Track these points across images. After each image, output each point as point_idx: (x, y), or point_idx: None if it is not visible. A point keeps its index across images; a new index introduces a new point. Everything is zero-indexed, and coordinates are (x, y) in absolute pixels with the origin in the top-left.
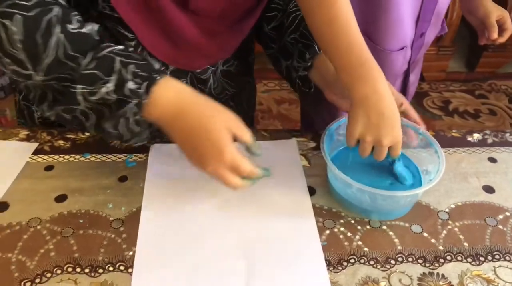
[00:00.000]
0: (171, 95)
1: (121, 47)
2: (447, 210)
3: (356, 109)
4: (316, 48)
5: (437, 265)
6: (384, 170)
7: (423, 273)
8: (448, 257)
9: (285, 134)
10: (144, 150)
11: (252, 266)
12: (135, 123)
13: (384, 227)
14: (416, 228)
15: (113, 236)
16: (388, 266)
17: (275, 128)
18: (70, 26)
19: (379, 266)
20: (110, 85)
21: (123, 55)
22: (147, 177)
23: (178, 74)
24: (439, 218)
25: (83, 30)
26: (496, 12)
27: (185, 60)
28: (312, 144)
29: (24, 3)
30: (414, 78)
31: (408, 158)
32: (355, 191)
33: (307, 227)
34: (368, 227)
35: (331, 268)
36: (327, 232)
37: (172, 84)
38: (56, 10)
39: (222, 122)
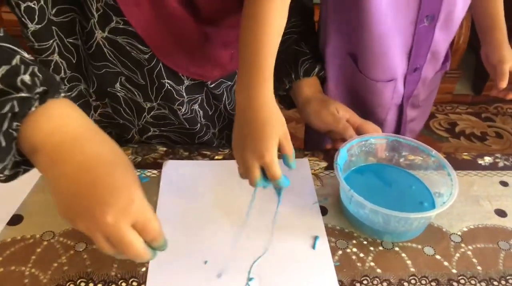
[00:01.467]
0: (69, 118)
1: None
2: (459, 233)
3: (234, 118)
4: (293, 76)
5: None
6: (397, 191)
7: None
8: (462, 281)
9: (296, 153)
10: (158, 166)
11: (264, 284)
12: (4, 133)
13: (397, 249)
14: (428, 250)
15: None
16: None
17: None
18: None
19: None
20: None
21: (28, 59)
22: (160, 193)
23: (193, 88)
24: (452, 240)
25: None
26: None
27: (198, 69)
28: (324, 164)
29: None
30: (415, 114)
31: (420, 180)
32: (368, 212)
33: (320, 246)
34: (380, 248)
35: None
36: (340, 252)
37: (75, 108)
38: None
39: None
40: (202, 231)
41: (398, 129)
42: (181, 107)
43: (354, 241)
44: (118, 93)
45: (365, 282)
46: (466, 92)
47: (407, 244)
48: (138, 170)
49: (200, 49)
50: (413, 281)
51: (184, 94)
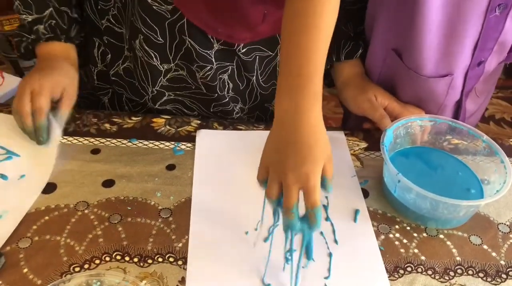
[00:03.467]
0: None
1: None
2: (507, 223)
3: (273, 127)
4: (334, 58)
5: (499, 280)
6: (443, 176)
7: None
8: (511, 273)
9: (333, 131)
10: (192, 139)
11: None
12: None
13: (442, 236)
14: (475, 240)
15: (162, 226)
16: (447, 278)
17: None
18: None
19: (437, 277)
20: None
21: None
22: (195, 165)
23: (223, 55)
24: (500, 230)
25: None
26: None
27: (226, 30)
28: (364, 144)
29: None
30: (475, 108)
31: (467, 165)
32: (415, 196)
33: (363, 229)
34: (424, 234)
35: (387, 275)
36: (382, 237)
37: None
38: None
39: None
40: (240, 203)
41: None
42: (199, 70)
43: (397, 226)
44: (137, 53)
45: (408, 269)
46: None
47: (453, 232)
48: (172, 142)
49: (228, 7)
50: (459, 271)
51: (213, 59)
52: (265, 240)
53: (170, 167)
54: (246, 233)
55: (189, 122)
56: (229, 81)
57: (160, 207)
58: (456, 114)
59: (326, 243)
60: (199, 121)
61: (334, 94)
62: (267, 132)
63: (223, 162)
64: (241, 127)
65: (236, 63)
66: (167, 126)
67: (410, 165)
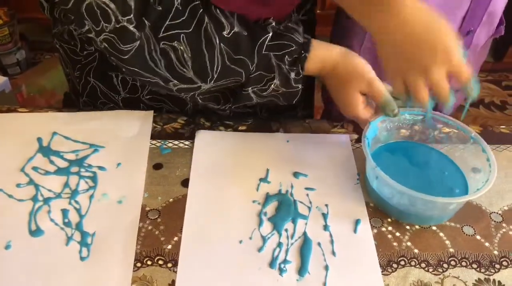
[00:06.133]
0: (318, 64)
1: (269, 34)
2: (500, 212)
3: (381, 45)
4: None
5: (493, 271)
6: (429, 173)
7: (479, 279)
8: (504, 263)
9: (324, 124)
10: (179, 136)
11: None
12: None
13: (434, 228)
14: (468, 230)
15: (150, 227)
16: (440, 270)
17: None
18: (224, 33)
19: (431, 270)
20: (277, 81)
21: (274, 47)
22: (192, 166)
23: None
24: (492, 220)
25: (235, 29)
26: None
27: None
28: (354, 136)
29: (179, 21)
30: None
31: (454, 162)
32: (393, 191)
33: (363, 241)
34: (417, 227)
35: (381, 270)
36: (375, 231)
37: (317, 54)
38: (205, 17)
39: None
40: (235, 210)
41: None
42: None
43: (389, 219)
44: None
45: (402, 263)
46: (486, 59)
47: (445, 223)
48: (159, 140)
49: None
50: (452, 263)
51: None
52: (259, 250)
53: (157, 166)
54: (240, 242)
55: (175, 119)
56: None
57: (147, 208)
58: None
59: (323, 254)
60: (185, 118)
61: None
62: (267, 135)
63: (221, 164)
64: (228, 122)
65: None
66: (153, 124)
67: (395, 160)
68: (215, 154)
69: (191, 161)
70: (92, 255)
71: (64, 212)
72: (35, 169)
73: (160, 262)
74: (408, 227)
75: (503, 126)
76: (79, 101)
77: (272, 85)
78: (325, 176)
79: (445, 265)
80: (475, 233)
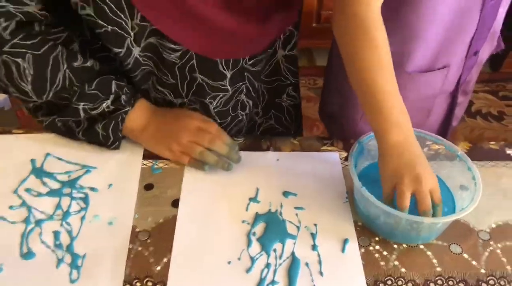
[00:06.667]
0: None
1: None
2: (487, 230)
3: (387, 154)
4: None
5: None
6: None
7: None
8: (491, 281)
9: (314, 142)
10: None
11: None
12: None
13: (422, 246)
14: (455, 248)
15: (140, 248)
16: None
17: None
18: (75, 63)
19: None
20: (109, 101)
21: (116, 79)
22: (183, 185)
23: (235, 78)
24: (480, 238)
25: (87, 64)
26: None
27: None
28: (344, 154)
29: (31, 42)
30: (462, 99)
31: (443, 181)
32: (377, 211)
33: (351, 260)
34: (404, 245)
35: None
36: (362, 250)
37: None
38: (59, 48)
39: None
40: (225, 230)
41: (448, 118)
42: (212, 101)
43: (377, 238)
44: (150, 94)
45: (389, 282)
46: (483, 69)
47: (433, 242)
48: (150, 160)
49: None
50: (439, 282)
51: (229, 87)
52: (248, 270)
53: (148, 187)
54: (229, 262)
55: None
56: (247, 100)
57: (137, 229)
58: (452, 106)
59: (311, 275)
60: None
61: (319, 95)
62: (257, 153)
63: (211, 184)
64: None
65: (248, 79)
66: None
67: None
68: (206, 173)
69: (181, 181)
70: (82, 278)
71: (56, 234)
72: (28, 190)
73: (149, 283)
74: (395, 246)
75: (493, 142)
76: None
77: (104, 103)
78: (315, 195)
79: (432, 284)
80: (462, 252)
